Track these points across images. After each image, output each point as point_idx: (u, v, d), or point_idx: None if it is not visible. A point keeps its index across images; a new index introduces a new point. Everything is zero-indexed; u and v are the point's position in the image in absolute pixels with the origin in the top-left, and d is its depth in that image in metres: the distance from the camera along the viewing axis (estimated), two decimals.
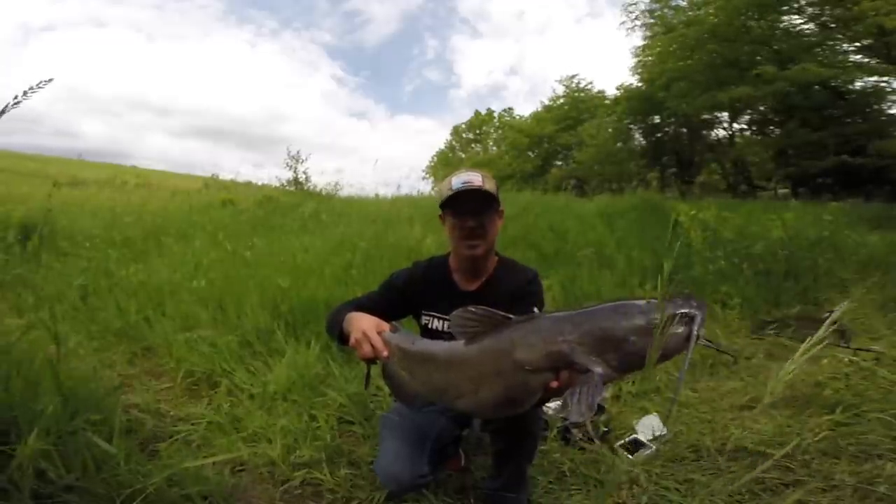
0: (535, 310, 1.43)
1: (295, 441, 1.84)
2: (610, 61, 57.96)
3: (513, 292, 1.47)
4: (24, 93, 1.26)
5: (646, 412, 2.10)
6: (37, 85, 1.28)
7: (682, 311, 0.95)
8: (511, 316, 1.09)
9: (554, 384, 1.02)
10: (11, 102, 1.25)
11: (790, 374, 0.80)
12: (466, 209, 1.42)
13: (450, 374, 1.18)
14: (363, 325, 1.28)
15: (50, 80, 1.29)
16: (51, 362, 1.39)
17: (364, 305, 1.45)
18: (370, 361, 1.30)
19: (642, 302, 0.99)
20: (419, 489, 1.51)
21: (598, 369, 0.96)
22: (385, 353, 1.24)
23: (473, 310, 1.09)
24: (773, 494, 1.56)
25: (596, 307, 1.04)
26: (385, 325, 1.30)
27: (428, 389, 1.25)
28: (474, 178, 1.44)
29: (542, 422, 1.47)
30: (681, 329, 0.94)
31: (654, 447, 1.83)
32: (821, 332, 0.81)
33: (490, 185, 1.44)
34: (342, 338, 1.36)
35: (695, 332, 0.94)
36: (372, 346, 1.24)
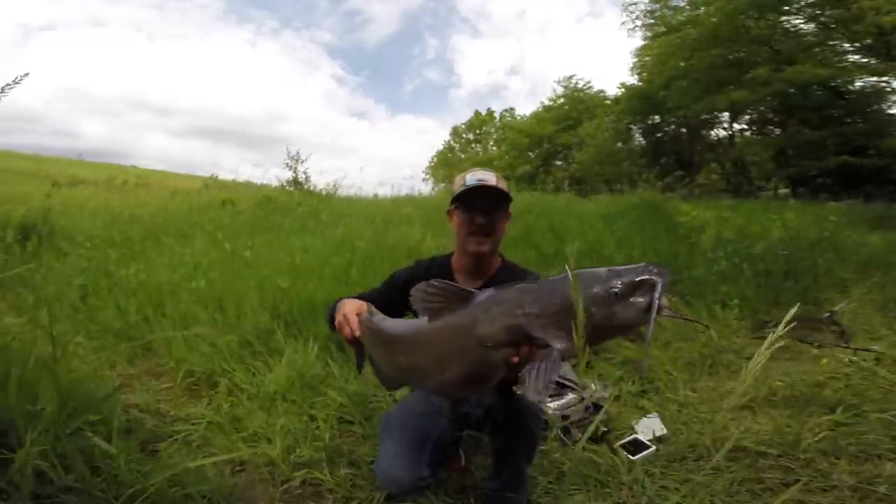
0: None
1: (295, 441, 1.84)
2: (611, 61, 58.04)
3: None
4: (2, 89, 1.25)
5: (646, 412, 2.10)
6: (14, 81, 1.27)
7: (642, 278, 0.88)
8: (473, 290, 1.05)
9: (514, 359, 0.96)
10: None
11: (757, 366, 0.78)
12: (477, 206, 1.44)
13: (415, 354, 1.14)
14: (346, 308, 1.30)
15: (26, 74, 1.28)
16: (48, 362, 1.39)
17: (364, 300, 1.46)
18: (353, 344, 1.31)
19: (603, 270, 0.93)
20: (419, 491, 1.51)
21: (558, 344, 0.90)
22: (357, 334, 1.25)
23: (435, 283, 1.04)
24: (773, 494, 1.56)
25: (557, 277, 0.98)
26: (368, 307, 1.31)
27: (396, 371, 1.23)
28: (488, 177, 1.45)
29: (541, 421, 1.46)
30: (641, 299, 0.88)
31: (654, 447, 1.83)
32: (780, 328, 0.79)
33: (503, 186, 1.46)
34: (333, 325, 1.37)
35: (655, 301, 0.86)
36: (351, 328, 1.26)
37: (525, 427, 1.40)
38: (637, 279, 0.88)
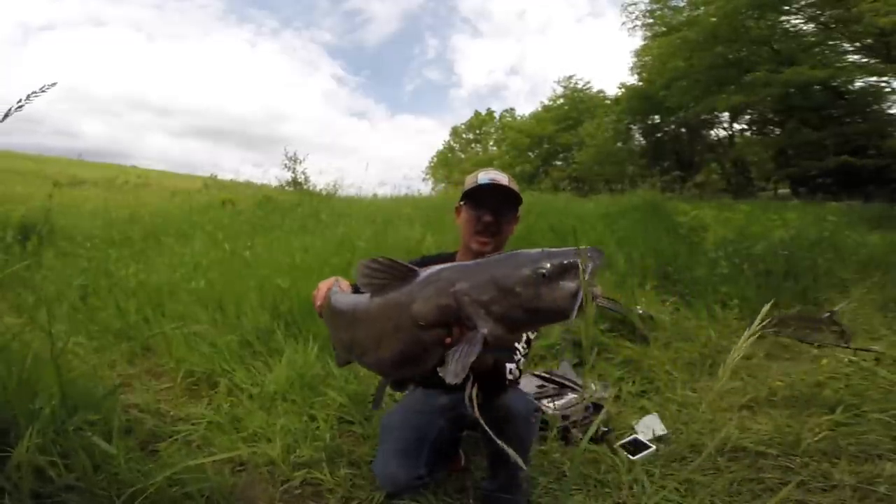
0: None
1: (295, 441, 1.84)
2: (612, 60, 57.74)
3: None
4: (28, 97, 1.27)
5: (646, 412, 2.10)
6: (40, 89, 1.29)
7: (571, 261, 0.83)
8: (416, 268, 1.00)
9: (448, 341, 0.92)
10: (14, 106, 1.27)
11: (734, 360, 0.78)
12: (486, 204, 1.43)
13: (355, 330, 1.12)
14: (323, 282, 1.32)
15: (54, 83, 1.30)
16: (46, 361, 1.39)
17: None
18: (321, 317, 1.33)
19: (537, 252, 0.88)
20: (416, 490, 1.51)
21: (483, 327, 0.87)
22: (317, 304, 1.26)
23: (381, 259, 1.00)
24: (773, 494, 1.56)
25: (493, 256, 0.96)
26: (344, 284, 1.31)
27: (340, 345, 1.22)
28: (501, 178, 1.45)
29: (530, 424, 1.41)
30: (570, 283, 0.83)
31: (654, 447, 1.83)
32: (755, 324, 0.79)
33: (515, 188, 1.46)
34: None
35: (582, 284, 0.81)
36: (316, 301, 1.28)
37: (511, 429, 1.32)
38: (566, 262, 0.84)
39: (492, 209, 1.43)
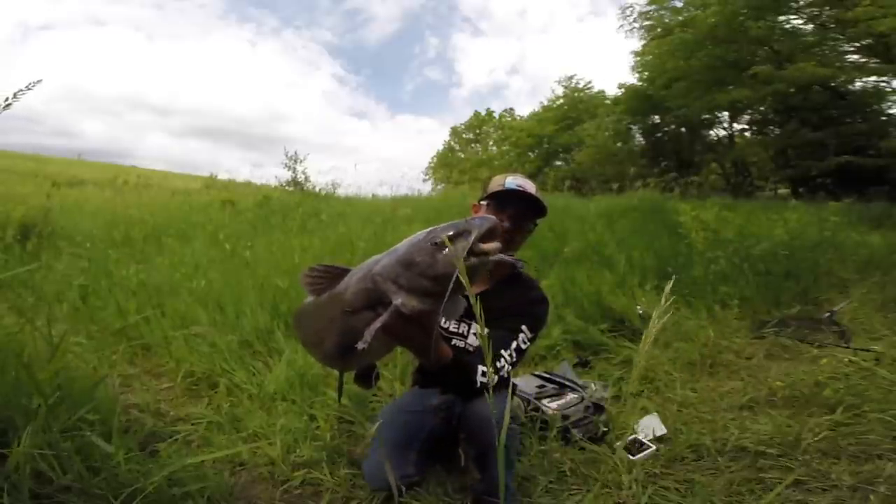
0: (523, 327, 1.43)
1: (295, 441, 1.84)
2: (613, 60, 57.60)
3: (510, 307, 1.45)
4: (15, 94, 1.26)
5: (646, 412, 2.10)
6: (26, 87, 1.28)
7: (461, 228, 0.93)
8: (350, 267, 1.09)
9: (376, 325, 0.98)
10: (2, 106, 1.26)
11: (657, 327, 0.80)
12: (507, 210, 1.42)
13: (303, 329, 1.25)
14: None
15: (39, 80, 1.29)
16: (44, 360, 1.39)
17: None
18: None
19: (440, 227, 0.97)
20: (405, 490, 1.49)
21: (396, 298, 0.96)
22: None
23: (318, 267, 1.09)
24: (773, 495, 1.56)
25: (408, 238, 1.03)
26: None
27: (301, 341, 1.33)
28: (529, 186, 1.45)
29: (513, 430, 1.39)
30: (460, 245, 0.91)
31: (654, 447, 1.83)
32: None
33: (541, 198, 1.46)
34: None
35: (468, 244, 0.90)
36: None
37: (487, 435, 1.30)
38: (453, 231, 0.93)
39: (511, 216, 1.42)
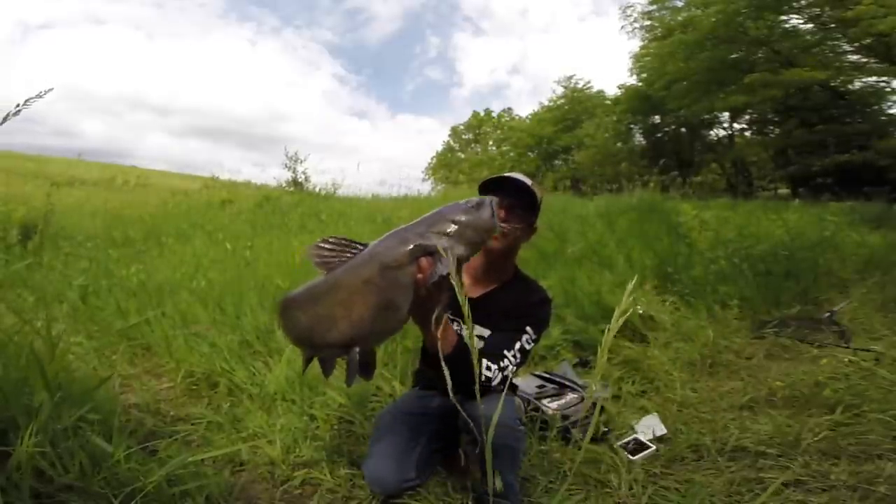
0: (527, 328, 1.42)
1: (295, 441, 1.84)
2: (614, 59, 57.59)
3: (513, 308, 1.45)
4: (26, 101, 1.27)
5: (646, 412, 2.10)
6: (37, 95, 1.30)
7: (482, 198, 1.20)
8: (365, 244, 1.14)
9: (419, 276, 1.08)
10: (12, 111, 1.27)
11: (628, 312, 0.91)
12: (498, 195, 1.42)
13: (317, 306, 1.15)
14: None
15: (51, 89, 1.31)
16: (44, 359, 1.39)
17: None
18: None
19: (461, 202, 1.19)
20: (405, 493, 1.49)
21: (444, 242, 1.09)
22: None
23: (330, 238, 1.13)
24: (772, 495, 1.56)
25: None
26: None
27: (294, 335, 1.22)
28: (526, 179, 1.45)
29: (514, 430, 1.37)
30: (486, 211, 1.16)
31: (654, 447, 1.83)
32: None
33: (538, 192, 1.44)
34: None
35: (492, 207, 1.16)
36: None
37: (499, 439, 1.24)
38: (479, 201, 1.19)
39: (507, 206, 1.41)
